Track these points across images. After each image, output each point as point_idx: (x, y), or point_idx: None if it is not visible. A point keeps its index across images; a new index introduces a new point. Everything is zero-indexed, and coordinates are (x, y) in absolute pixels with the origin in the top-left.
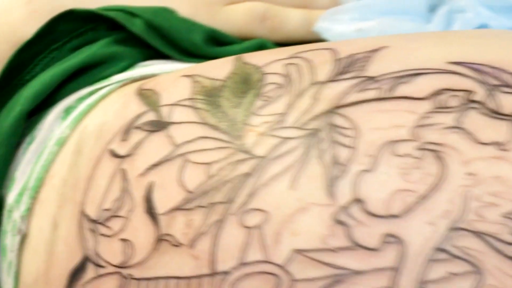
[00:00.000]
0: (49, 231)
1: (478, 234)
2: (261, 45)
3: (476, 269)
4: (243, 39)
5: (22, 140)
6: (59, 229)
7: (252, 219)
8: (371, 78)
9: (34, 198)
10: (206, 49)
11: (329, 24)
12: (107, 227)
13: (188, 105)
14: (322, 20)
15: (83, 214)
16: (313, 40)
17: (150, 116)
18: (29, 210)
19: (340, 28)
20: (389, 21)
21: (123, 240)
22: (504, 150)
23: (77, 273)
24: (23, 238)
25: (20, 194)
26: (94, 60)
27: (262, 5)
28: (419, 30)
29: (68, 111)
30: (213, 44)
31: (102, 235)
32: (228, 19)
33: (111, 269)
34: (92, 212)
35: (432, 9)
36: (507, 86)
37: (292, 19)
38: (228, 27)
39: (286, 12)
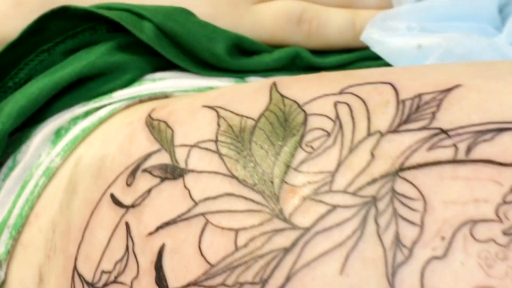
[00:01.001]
0: (33, 284)
1: None
2: (296, 55)
3: None
4: (274, 46)
5: (2, 162)
6: (46, 284)
7: None
8: (444, 132)
9: (15, 239)
10: (230, 61)
11: (381, 35)
12: None
13: (211, 149)
14: (371, 26)
15: (77, 273)
16: (358, 48)
17: (163, 158)
18: (9, 253)
19: (395, 42)
20: (456, 38)
21: None
22: None
23: None
24: (1, 285)
25: None
26: (93, 71)
27: (298, 4)
28: (493, 47)
29: (59, 133)
30: (238, 53)
31: None
32: (257, 21)
33: None
34: (87, 272)
35: (501, 10)
36: None
37: (334, 22)
38: (256, 31)
39: (326, 13)
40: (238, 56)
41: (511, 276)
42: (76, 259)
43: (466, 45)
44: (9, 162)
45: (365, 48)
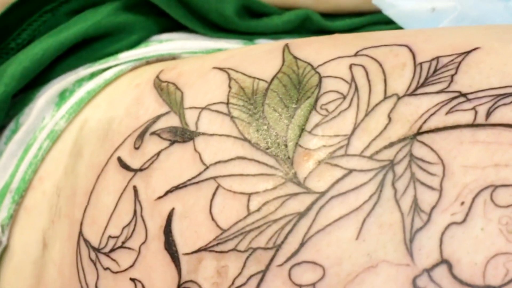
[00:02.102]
0: (37, 250)
1: None
2: (306, 18)
3: None
4: (283, 9)
5: (5, 125)
6: (50, 250)
7: (305, 275)
8: (463, 95)
9: (18, 203)
10: (239, 22)
11: None
12: (113, 260)
13: (222, 111)
14: None
15: (82, 238)
16: (369, 12)
17: (172, 120)
18: (12, 218)
19: (408, 5)
20: (471, 1)
21: (134, 280)
22: None
23: None
24: (3, 251)
25: (1, 195)
26: (98, 31)
27: None
28: (508, 10)
29: (63, 95)
30: (247, 15)
31: (106, 269)
32: None
33: None
34: (93, 237)
35: None
36: None
37: None
38: None
39: None
40: (247, 18)
41: None
42: (81, 224)
43: (481, 8)
44: (11, 125)
45: (377, 11)
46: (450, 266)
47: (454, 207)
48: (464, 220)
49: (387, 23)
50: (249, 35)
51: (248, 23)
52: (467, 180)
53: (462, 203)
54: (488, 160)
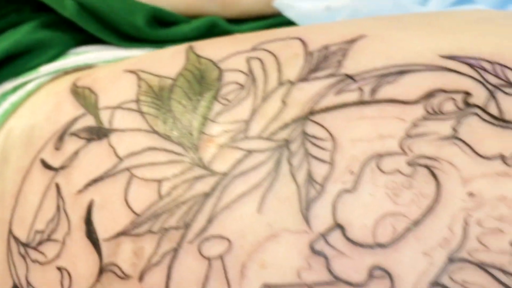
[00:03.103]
0: None
1: (482, 266)
2: (213, 24)
3: None
4: (191, 17)
5: None
6: None
7: (213, 248)
8: (349, 77)
9: None
10: (149, 32)
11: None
12: (40, 252)
13: (133, 108)
14: None
15: (12, 236)
16: (272, 15)
17: (88, 121)
18: None
19: (305, 5)
20: None
21: (60, 268)
22: (510, 165)
23: None
24: None
25: None
26: (19, 48)
27: None
28: (399, 6)
29: None
30: (156, 24)
31: (35, 261)
32: None
33: None
34: (21, 233)
35: None
36: (511, 85)
37: None
38: (173, 3)
39: None
40: (157, 27)
41: (416, 203)
42: (10, 223)
43: (372, 5)
44: None
45: (279, 15)
46: (343, 230)
47: (344, 176)
48: (354, 188)
49: (288, 24)
50: (160, 43)
51: (158, 32)
52: (356, 152)
53: (352, 172)
54: (373, 133)
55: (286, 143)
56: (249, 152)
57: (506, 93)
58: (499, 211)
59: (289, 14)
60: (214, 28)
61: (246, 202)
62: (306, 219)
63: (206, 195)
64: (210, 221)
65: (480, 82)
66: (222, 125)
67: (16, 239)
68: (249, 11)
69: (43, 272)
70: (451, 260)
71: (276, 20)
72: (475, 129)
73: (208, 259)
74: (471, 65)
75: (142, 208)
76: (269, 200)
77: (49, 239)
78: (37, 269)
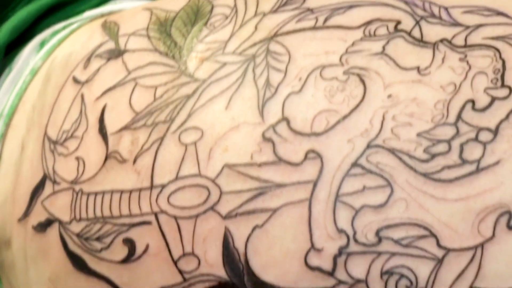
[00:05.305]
0: (17, 153)
1: (392, 150)
2: None
3: (388, 183)
4: None
5: (1, 72)
6: (25, 150)
7: (189, 137)
8: (310, 10)
9: (7, 124)
10: None
11: None
12: (65, 147)
13: (143, 34)
14: None
15: (46, 136)
16: None
17: (110, 45)
18: (3, 136)
19: None
20: None
21: (77, 158)
22: (423, 74)
23: (37, 190)
24: None
25: None
26: None
27: None
28: None
29: (42, 44)
30: None
31: (60, 154)
32: None
33: (65, 185)
34: (53, 133)
35: None
36: (434, 16)
37: None
38: None
39: None
40: None
41: (347, 102)
42: (46, 126)
43: None
44: (6, 71)
45: None
46: (288, 122)
47: (294, 82)
48: (300, 90)
49: None
50: None
51: None
52: (305, 64)
53: (300, 79)
54: (321, 50)
55: (253, 57)
56: (224, 64)
57: (428, 22)
58: (410, 109)
59: None
60: None
61: (218, 101)
62: (261, 114)
63: (188, 97)
64: (189, 115)
65: (410, 13)
66: (206, 44)
67: (49, 139)
68: None
69: (66, 162)
70: (369, 146)
71: None
72: (399, 47)
73: (185, 145)
74: (406, 2)
75: (141, 107)
76: (235, 99)
77: (72, 136)
78: (61, 160)
